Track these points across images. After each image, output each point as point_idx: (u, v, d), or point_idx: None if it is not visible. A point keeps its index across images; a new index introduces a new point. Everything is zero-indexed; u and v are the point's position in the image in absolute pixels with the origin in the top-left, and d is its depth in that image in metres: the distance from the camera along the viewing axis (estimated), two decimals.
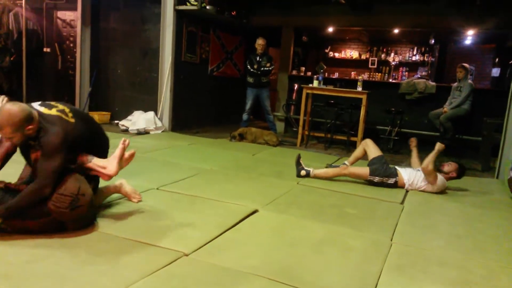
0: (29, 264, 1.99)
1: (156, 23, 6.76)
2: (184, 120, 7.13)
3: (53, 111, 2.35)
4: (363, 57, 10.03)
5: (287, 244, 2.49)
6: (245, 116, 7.07)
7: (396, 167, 4.14)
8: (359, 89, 6.13)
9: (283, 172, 4.39)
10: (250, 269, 2.11)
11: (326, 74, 8.15)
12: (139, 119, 6.56)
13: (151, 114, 6.69)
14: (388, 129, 6.70)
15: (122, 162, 2.46)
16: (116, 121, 7.07)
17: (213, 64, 7.79)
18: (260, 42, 6.80)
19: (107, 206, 2.86)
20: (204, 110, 7.77)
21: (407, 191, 3.96)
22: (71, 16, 7.57)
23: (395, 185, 4.01)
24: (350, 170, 4.12)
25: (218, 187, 3.64)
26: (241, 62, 8.54)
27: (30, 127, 2.20)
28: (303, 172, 4.19)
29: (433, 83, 7.06)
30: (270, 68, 6.86)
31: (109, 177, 2.42)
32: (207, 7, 6.69)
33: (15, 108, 2.16)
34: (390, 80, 9.12)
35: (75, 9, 7.31)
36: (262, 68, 6.78)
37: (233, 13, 7.46)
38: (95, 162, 2.38)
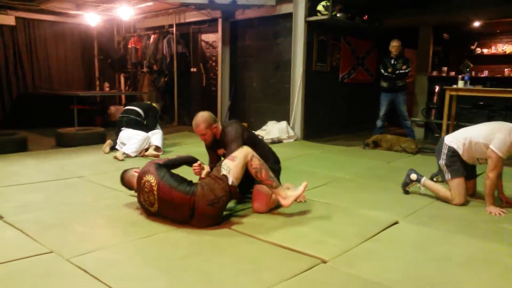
0: (183, 260, 2.23)
1: (287, 36, 6.99)
2: (316, 128, 7.18)
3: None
4: None
5: (432, 259, 2.29)
6: (379, 123, 6.78)
7: None
8: None
9: None
10: (393, 283, 2.00)
11: (473, 73, 7.33)
12: (273, 129, 6.84)
13: (283, 123, 6.92)
14: None
15: (295, 199, 2.91)
16: (252, 131, 7.50)
17: (343, 71, 7.70)
18: (394, 44, 6.47)
19: (248, 210, 3.05)
20: (335, 117, 7.71)
21: None
22: (213, 38, 8.36)
23: None
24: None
25: (353, 195, 3.56)
26: (374, 66, 8.24)
27: (215, 125, 3.14)
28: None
29: None
30: (407, 71, 6.47)
31: (283, 206, 2.91)
32: (338, 15, 6.66)
33: (205, 113, 3.17)
34: None
35: (216, 31, 8.06)
36: (398, 71, 6.44)
37: (365, 17, 7.27)
38: (279, 190, 2.86)
